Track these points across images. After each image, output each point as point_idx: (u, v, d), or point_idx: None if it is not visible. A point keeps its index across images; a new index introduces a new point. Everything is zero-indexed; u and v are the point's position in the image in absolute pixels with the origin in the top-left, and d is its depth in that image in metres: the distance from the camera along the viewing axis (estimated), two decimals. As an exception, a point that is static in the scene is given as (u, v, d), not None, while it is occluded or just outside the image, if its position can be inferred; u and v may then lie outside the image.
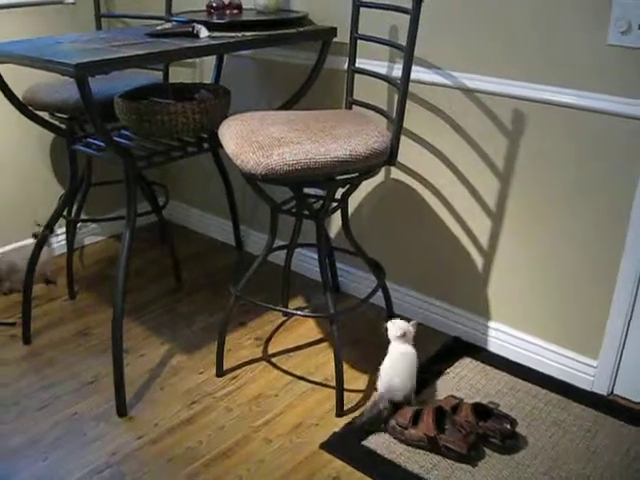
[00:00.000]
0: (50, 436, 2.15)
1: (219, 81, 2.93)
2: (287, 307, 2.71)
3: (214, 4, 2.63)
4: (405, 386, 2.17)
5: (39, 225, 2.91)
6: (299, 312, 2.54)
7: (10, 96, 2.27)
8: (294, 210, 2.29)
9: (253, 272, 2.29)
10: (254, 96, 2.96)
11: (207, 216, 3.49)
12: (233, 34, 2.29)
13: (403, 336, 2.17)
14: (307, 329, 2.68)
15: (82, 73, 1.86)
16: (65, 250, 2.99)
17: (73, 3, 3.09)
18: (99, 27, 3.09)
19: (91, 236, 3.43)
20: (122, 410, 2.23)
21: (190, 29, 2.27)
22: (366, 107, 2.39)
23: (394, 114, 2.16)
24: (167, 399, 2.30)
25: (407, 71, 2.07)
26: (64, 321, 2.76)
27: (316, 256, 2.91)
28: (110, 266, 3.20)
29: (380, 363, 2.19)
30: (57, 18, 3.05)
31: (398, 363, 2.17)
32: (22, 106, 2.33)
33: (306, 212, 2.25)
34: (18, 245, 3.10)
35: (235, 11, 2.64)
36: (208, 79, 3.10)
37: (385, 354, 2.18)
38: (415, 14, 2.00)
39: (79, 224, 3.13)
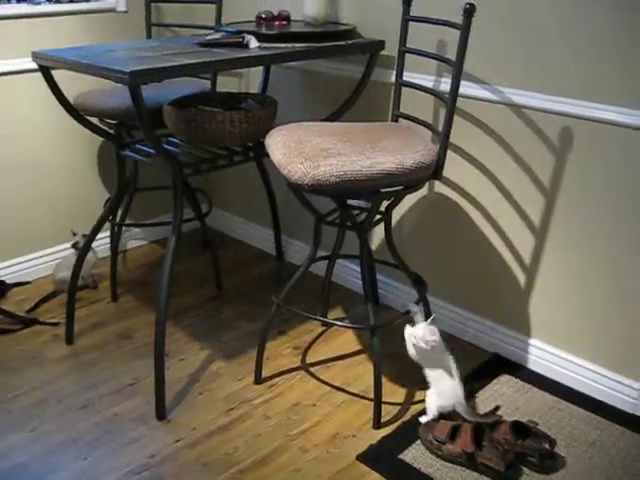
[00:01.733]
0: (91, 435, 2.18)
1: (266, 91, 2.97)
2: (326, 317, 2.71)
3: (263, 15, 2.67)
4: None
5: (75, 234, 2.97)
6: (339, 322, 2.54)
7: (64, 102, 2.32)
8: (338, 222, 2.30)
9: (295, 282, 2.31)
10: (300, 107, 2.99)
11: (249, 224, 3.52)
12: (283, 45, 2.32)
13: (429, 346, 2.12)
14: (346, 340, 2.69)
15: (135, 80, 1.90)
16: (108, 253, 3.05)
17: (125, 12, 3.15)
18: (149, 35, 3.14)
19: (133, 240, 3.48)
20: (161, 413, 2.26)
21: (240, 39, 2.31)
22: (412, 120, 2.39)
23: (440, 128, 2.17)
24: (205, 404, 2.32)
25: (455, 85, 2.07)
26: (106, 323, 2.80)
27: (356, 267, 2.93)
28: (152, 271, 3.24)
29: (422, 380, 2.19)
30: (110, 26, 3.11)
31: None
32: (74, 112, 2.37)
33: (349, 224, 2.27)
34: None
35: (284, 22, 2.67)
36: (255, 89, 3.14)
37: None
38: (465, 29, 2.01)
39: (123, 228, 3.18)
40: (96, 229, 2.60)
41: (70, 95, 2.39)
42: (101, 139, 3.19)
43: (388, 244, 2.34)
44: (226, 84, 3.24)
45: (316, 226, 2.27)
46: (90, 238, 2.60)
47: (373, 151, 2.00)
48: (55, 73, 2.26)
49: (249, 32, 2.36)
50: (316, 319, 2.54)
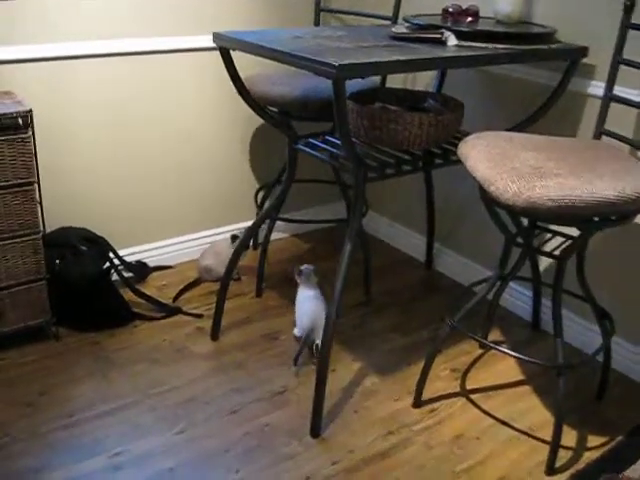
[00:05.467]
0: (242, 446, 2.05)
1: (440, 91, 2.76)
2: (486, 339, 2.50)
3: (450, 9, 2.47)
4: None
5: (237, 237, 2.87)
6: (523, 356, 2.10)
7: (239, 86, 2.18)
8: (528, 244, 2.09)
9: (472, 305, 2.12)
10: (477, 112, 2.73)
11: (399, 228, 3.32)
12: (483, 45, 2.11)
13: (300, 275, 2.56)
14: (506, 367, 2.47)
15: (342, 75, 1.73)
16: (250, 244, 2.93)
17: (294, -5, 3.01)
18: (317, 21, 2.99)
19: (274, 233, 3.33)
20: (316, 430, 2.10)
21: (439, 35, 2.12)
22: (618, 139, 2.15)
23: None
24: (361, 424, 2.16)
25: (691, 108, 1.83)
26: (251, 320, 2.68)
27: (521, 289, 2.72)
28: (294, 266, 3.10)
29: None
30: (276, 9, 2.97)
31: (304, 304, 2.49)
32: (249, 97, 2.23)
33: (547, 250, 2.06)
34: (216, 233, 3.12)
35: (472, 18, 2.46)
36: (421, 86, 2.94)
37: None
38: None
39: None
40: (258, 223, 2.47)
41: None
42: (254, 129, 3.08)
43: (578, 273, 2.12)
44: (391, 80, 3.03)
45: (506, 245, 2.07)
46: (250, 233, 2.47)
47: (591, 175, 1.77)
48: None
49: (448, 29, 2.16)
50: (493, 348, 2.20)
